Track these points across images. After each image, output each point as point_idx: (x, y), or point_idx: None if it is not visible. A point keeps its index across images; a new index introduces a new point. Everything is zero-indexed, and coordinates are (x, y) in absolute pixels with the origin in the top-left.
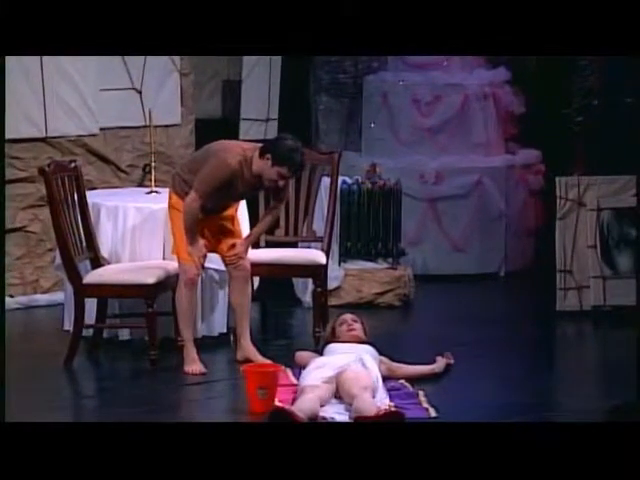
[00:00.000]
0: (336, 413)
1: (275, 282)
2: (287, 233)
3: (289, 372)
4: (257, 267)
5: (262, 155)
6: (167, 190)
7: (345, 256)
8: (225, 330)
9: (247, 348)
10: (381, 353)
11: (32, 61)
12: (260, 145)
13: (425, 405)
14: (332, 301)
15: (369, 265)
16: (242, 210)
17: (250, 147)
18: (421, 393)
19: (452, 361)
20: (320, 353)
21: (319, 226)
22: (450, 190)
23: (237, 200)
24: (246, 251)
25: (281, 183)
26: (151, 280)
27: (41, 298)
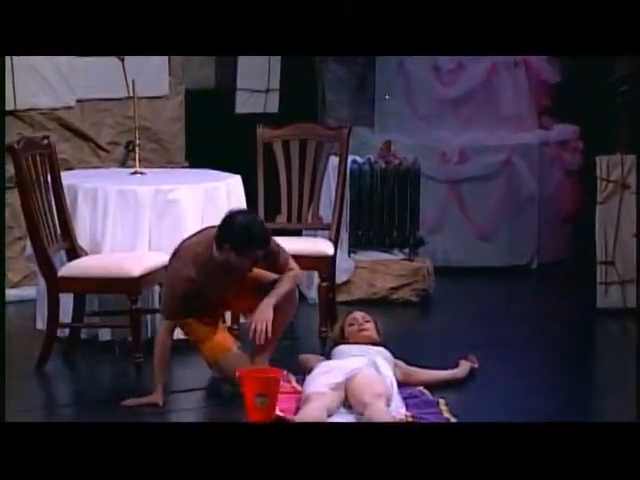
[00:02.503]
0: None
1: None
2: (290, 220)
3: (292, 377)
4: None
5: (220, 247)
6: (153, 171)
7: (356, 246)
8: None
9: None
10: (396, 356)
11: None
12: (214, 231)
13: (446, 415)
14: (341, 297)
15: (383, 256)
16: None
17: (202, 240)
18: (442, 401)
19: (477, 365)
20: (327, 356)
21: (326, 212)
22: (475, 170)
23: (229, 286)
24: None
25: (258, 263)
26: (135, 273)
27: (10, 293)
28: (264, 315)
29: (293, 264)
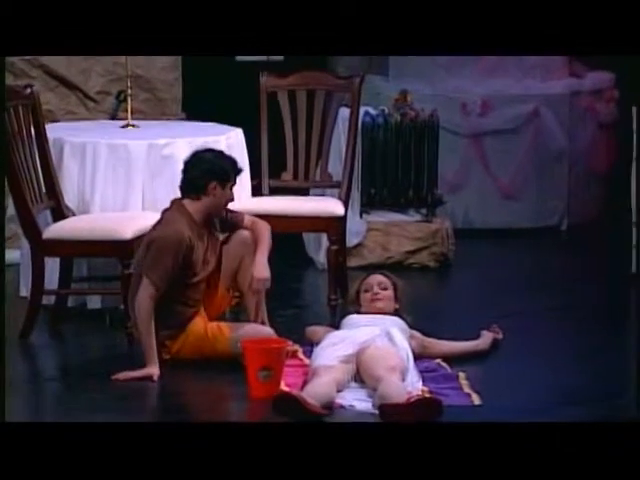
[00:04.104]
0: (356, 400)
1: (281, 238)
2: (296, 177)
3: (299, 349)
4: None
5: (200, 193)
6: (147, 123)
7: (368, 206)
8: None
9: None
10: (412, 326)
11: None
12: (180, 194)
13: (467, 390)
14: (352, 262)
15: (398, 217)
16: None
17: (175, 207)
18: (462, 375)
19: (500, 336)
20: (337, 326)
21: (336, 169)
22: (499, 123)
23: (206, 265)
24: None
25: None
26: (128, 235)
27: None
28: (263, 274)
29: (252, 217)
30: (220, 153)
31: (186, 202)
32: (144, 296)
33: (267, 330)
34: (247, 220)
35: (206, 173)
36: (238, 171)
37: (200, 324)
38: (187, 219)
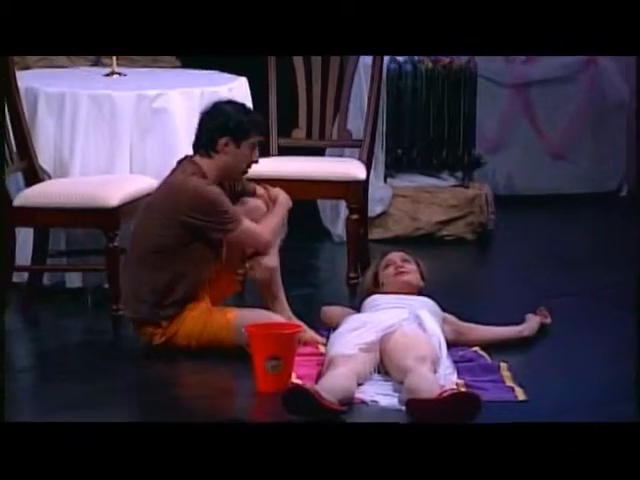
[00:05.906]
0: (380, 394)
1: (293, 206)
2: (310, 135)
3: (313, 335)
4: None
5: (210, 149)
6: (135, 71)
7: (394, 168)
8: None
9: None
10: (445, 309)
11: None
12: (193, 150)
13: (509, 383)
14: (375, 233)
15: (429, 181)
16: None
17: (187, 163)
18: (503, 366)
19: (549, 320)
20: (357, 309)
21: (356, 125)
22: (548, 71)
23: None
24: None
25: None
26: (113, 202)
27: None
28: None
29: (269, 190)
30: (242, 106)
31: (197, 159)
32: (250, 227)
33: (279, 317)
34: (261, 192)
35: (218, 127)
36: (261, 129)
37: (202, 305)
38: (200, 177)
